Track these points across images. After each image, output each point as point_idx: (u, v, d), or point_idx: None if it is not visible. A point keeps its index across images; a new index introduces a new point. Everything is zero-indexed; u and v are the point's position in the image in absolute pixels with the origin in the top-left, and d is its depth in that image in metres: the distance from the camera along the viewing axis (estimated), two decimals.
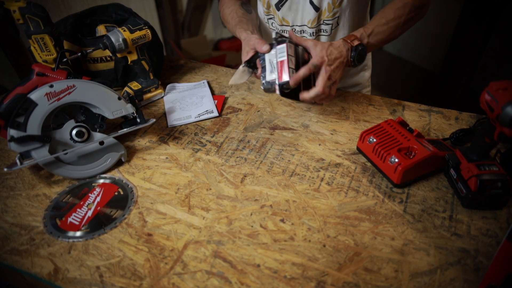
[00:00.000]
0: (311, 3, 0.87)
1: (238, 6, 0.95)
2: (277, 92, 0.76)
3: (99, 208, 0.68)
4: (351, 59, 0.78)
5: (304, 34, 0.94)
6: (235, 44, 2.63)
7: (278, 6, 0.91)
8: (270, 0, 0.93)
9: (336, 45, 0.77)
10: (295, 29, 0.94)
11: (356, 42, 0.77)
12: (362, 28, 0.80)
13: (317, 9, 0.88)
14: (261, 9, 0.98)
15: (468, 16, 2.26)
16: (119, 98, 0.75)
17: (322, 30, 0.93)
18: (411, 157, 0.67)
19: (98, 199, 0.70)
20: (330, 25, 0.91)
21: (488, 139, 0.61)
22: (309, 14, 0.89)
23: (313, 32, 0.92)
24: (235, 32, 0.91)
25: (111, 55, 0.93)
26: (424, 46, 2.77)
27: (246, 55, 0.81)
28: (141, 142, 0.84)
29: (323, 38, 0.94)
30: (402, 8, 0.81)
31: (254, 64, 0.82)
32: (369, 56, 1.06)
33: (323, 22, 0.90)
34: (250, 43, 0.81)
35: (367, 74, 1.08)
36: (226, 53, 2.61)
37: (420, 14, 0.84)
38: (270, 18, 0.96)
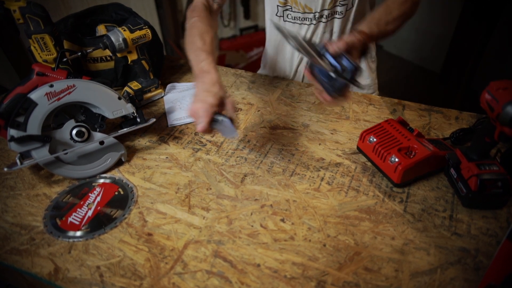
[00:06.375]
0: None
1: (214, 33, 0.82)
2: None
3: (99, 208, 0.68)
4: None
5: (322, 19, 0.93)
6: (235, 44, 2.63)
7: None
8: None
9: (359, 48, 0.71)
10: (316, 16, 0.93)
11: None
12: (375, 27, 0.74)
13: None
14: (274, 3, 0.96)
15: (468, 16, 2.26)
16: (119, 98, 0.75)
17: (337, 13, 0.92)
18: (411, 156, 0.67)
19: (98, 199, 0.69)
20: (345, 6, 0.91)
21: (488, 139, 0.61)
22: None
23: (329, 14, 0.92)
24: (201, 57, 0.73)
25: (111, 54, 0.92)
26: (424, 46, 2.77)
27: (209, 108, 0.64)
28: (141, 141, 0.84)
29: (336, 22, 0.94)
30: (405, 2, 0.79)
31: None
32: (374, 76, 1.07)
33: (339, 3, 0.90)
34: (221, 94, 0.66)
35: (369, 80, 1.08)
36: (226, 53, 2.60)
37: (414, 10, 0.84)
38: (287, 10, 0.95)
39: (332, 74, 0.65)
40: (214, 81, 0.67)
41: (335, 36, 0.96)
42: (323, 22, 0.94)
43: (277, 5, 0.96)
